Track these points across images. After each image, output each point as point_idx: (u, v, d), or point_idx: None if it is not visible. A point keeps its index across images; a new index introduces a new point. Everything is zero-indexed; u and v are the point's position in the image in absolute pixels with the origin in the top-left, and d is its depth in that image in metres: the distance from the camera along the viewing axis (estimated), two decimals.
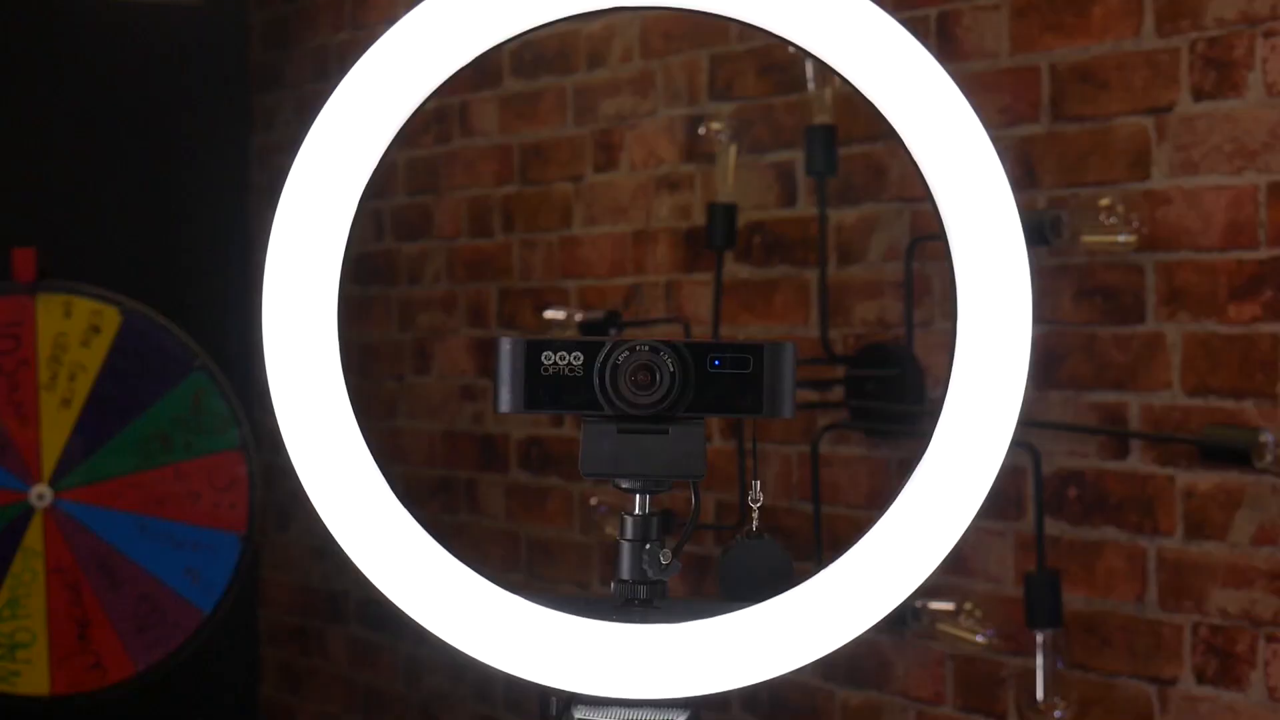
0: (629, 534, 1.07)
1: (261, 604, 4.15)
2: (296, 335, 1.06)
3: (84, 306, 3.12)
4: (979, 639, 2.35)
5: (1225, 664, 2.20)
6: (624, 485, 1.07)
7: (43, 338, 3.11)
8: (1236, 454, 2.10)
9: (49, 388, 3.11)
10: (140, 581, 3.10)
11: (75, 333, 3.11)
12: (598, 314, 2.86)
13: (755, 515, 1.10)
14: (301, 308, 1.07)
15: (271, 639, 4.14)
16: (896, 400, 2.54)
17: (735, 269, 2.85)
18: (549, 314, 3.00)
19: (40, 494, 3.09)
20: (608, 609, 1.06)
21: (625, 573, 1.07)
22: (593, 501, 2.99)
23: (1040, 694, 2.21)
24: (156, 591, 3.10)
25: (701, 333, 2.85)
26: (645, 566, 1.06)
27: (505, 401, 1.05)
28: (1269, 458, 2.08)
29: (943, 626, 2.36)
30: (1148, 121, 2.27)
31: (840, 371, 2.61)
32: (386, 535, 1.03)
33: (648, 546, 1.06)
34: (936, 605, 2.37)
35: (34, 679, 3.08)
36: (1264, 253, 2.14)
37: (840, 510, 2.68)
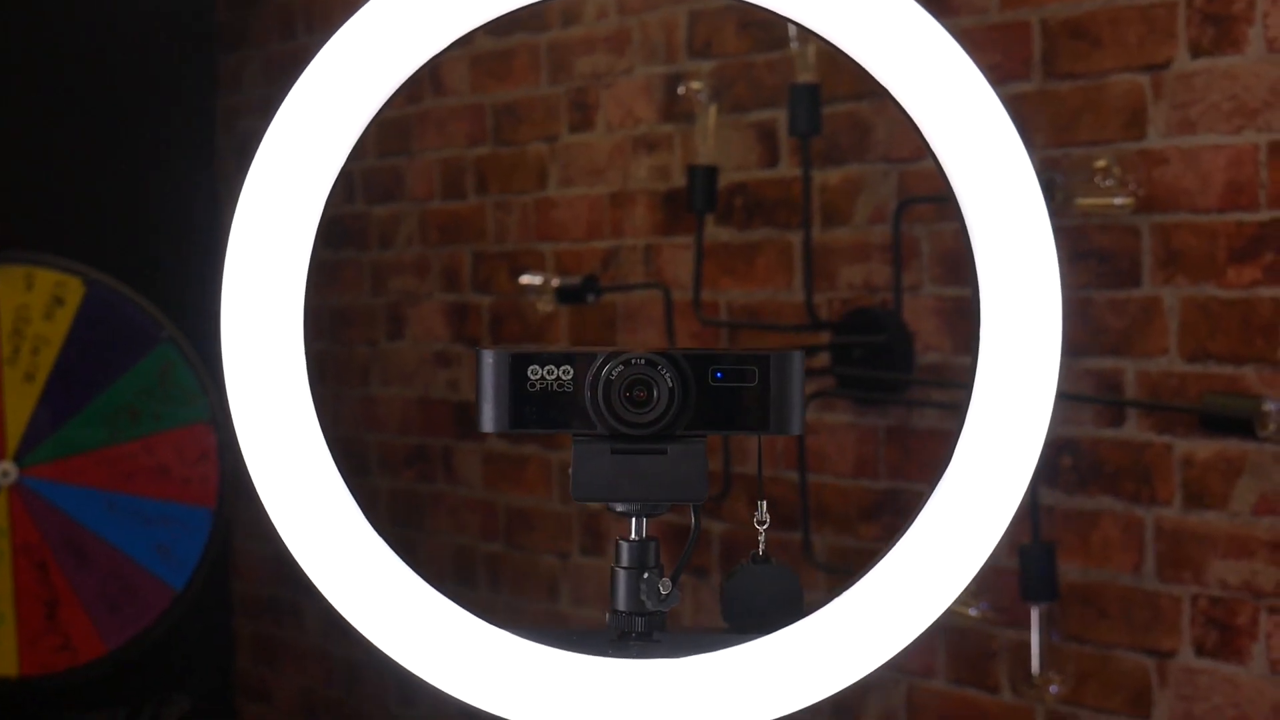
0: (625, 561, 0.99)
1: (234, 575, 4.08)
2: (258, 330, 0.99)
3: (46, 278, 3.04)
4: (972, 612, 2.31)
5: (1225, 636, 2.15)
6: (619, 509, 0.99)
7: (4, 311, 3.03)
8: (1238, 423, 2.05)
9: (11, 362, 3.03)
10: (109, 559, 3.04)
11: (38, 305, 3.03)
12: (575, 279, 2.80)
13: (762, 537, 1.03)
14: (264, 304, 0.99)
15: (245, 611, 4.07)
16: (884, 366, 2.49)
17: (716, 231, 2.78)
18: (525, 279, 2.93)
19: (5, 471, 3.01)
20: (603, 643, 0.99)
21: (621, 603, 0.99)
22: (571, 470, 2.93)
23: (1035, 667, 2.18)
24: (126, 569, 3.04)
25: (682, 297, 2.78)
26: (643, 597, 0.98)
27: (489, 420, 0.97)
28: (1272, 427, 2.02)
29: None
30: (1143, 79, 2.19)
31: (825, 337, 2.55)
32: (362, 571, 0.96)
33: (645, 575, 0.99)
34: None
35: (2, 661, 3.01)
36: (1264, 214, 2.08)
37: (827, 479, 2.63)
